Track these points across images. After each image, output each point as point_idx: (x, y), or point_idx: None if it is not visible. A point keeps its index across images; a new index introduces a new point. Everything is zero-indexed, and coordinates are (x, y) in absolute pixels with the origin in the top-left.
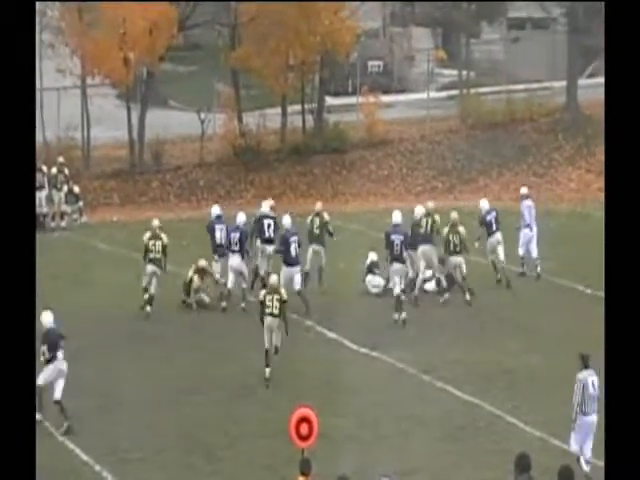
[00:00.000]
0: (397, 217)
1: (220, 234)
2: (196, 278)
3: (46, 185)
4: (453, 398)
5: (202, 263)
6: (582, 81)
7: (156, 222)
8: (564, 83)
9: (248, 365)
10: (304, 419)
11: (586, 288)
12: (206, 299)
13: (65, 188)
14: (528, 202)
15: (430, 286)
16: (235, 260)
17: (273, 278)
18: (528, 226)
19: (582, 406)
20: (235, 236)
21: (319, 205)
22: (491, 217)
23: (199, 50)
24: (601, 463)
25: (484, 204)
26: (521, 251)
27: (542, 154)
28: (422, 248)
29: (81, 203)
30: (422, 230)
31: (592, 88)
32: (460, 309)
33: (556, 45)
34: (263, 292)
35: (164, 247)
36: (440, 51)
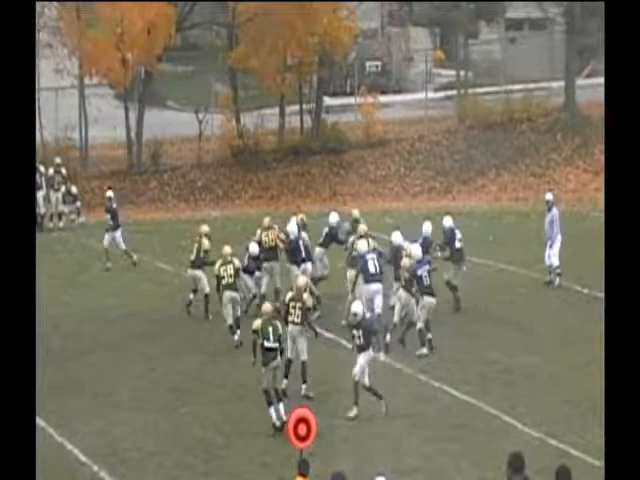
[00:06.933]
0: (418, 251)
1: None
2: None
3: (43, 185)
4: (450, 398)
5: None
6: (580, 81)
7: (228, 249)
8: (562, 83)
9: (245, 365)
10: (302, 420)
11: (583, 288)
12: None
13: (63, 188)
14: (555, 211)
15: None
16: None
17: (300, 280)
18: (550, 238)
19: None
20: None
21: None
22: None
23: (197, 50)
24: (601, 463)
25: (447, 221)
26: (556, 261)
27: (540, 154)
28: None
29: (79, 203)
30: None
31: (590, 88)
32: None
33: (554, 45)
34: (288, 297)
35: (237, 270)
36: (438, 51)
